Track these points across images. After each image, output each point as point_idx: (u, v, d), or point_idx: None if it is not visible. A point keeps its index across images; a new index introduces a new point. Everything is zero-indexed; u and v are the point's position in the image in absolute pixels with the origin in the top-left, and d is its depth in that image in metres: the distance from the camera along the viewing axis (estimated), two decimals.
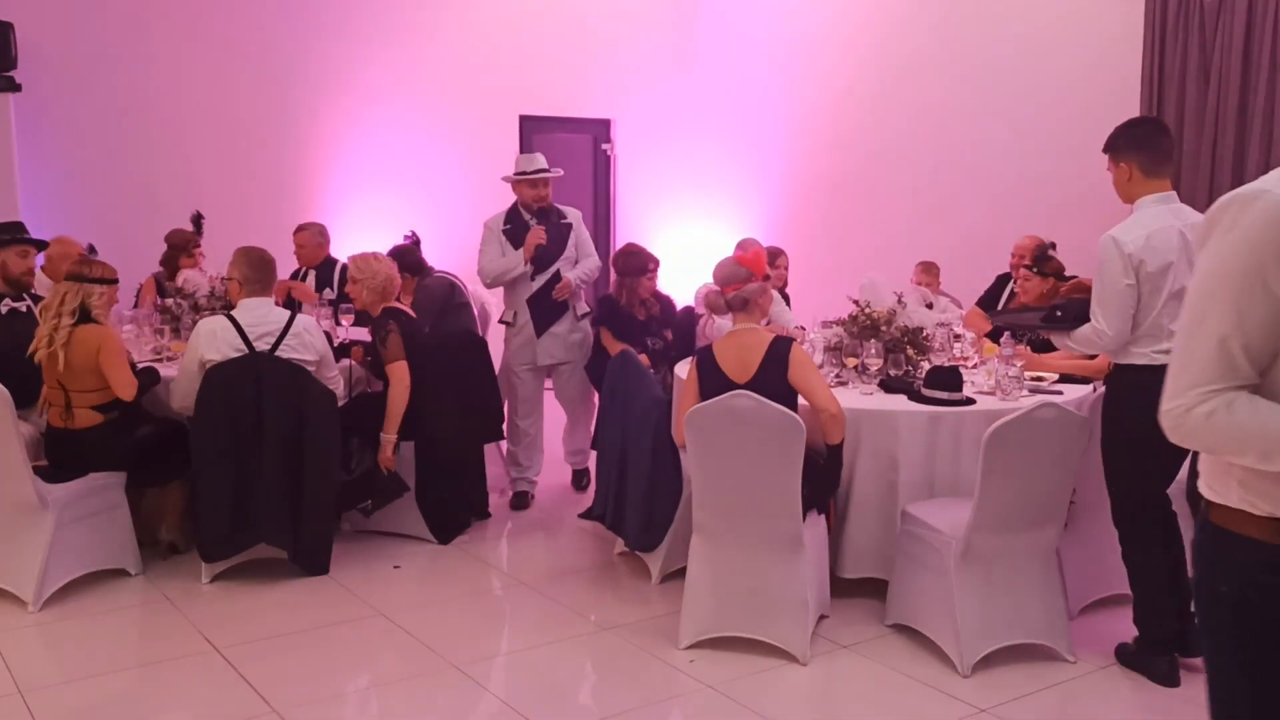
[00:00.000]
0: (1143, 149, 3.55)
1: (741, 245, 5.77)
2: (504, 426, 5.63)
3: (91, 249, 5.48)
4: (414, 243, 6.14)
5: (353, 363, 5.11)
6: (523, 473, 5.75)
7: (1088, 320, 3.58)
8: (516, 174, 5.53)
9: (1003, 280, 6.29)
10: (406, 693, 3.68)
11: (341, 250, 6.92)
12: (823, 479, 3.91)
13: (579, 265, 5.59)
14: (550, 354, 5.60)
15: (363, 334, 5.76)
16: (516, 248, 5.44)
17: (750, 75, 9.10)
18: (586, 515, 5.10)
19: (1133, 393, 3.50)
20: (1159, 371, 3.56)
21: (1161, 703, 3.60)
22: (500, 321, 5.71)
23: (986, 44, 7.37)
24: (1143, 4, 6.39)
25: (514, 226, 5.49)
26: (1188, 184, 6.21)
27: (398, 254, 5.96)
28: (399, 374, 4.81)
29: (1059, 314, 3.75)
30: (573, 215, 5.61)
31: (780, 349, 3.89)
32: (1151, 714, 3.56)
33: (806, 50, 8.60)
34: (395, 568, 4.76)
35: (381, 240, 6.39)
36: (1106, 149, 3.65)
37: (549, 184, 5.52)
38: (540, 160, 5.51)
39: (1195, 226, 3.19)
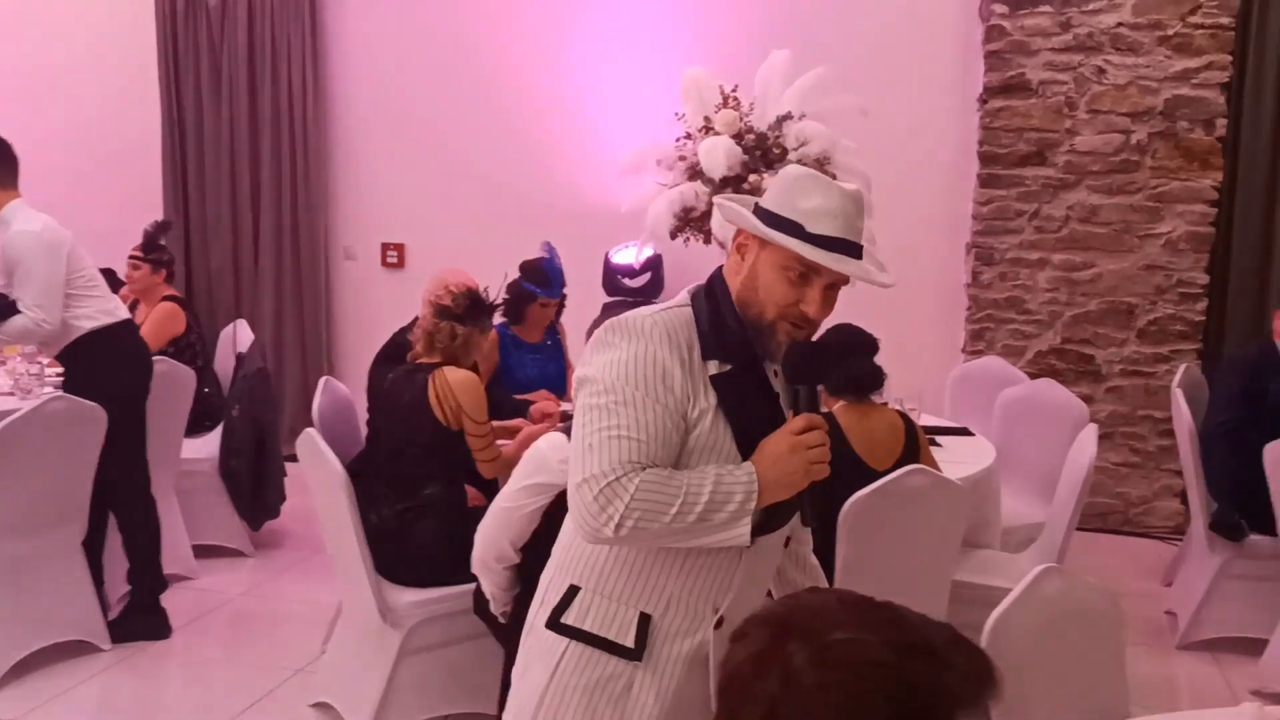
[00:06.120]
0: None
1: None
2: None
3: None
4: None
5: None
6: None
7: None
8: (782, 221, 1.66)
9: None
10: None
11: None
12: None
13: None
14: None
15: None
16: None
17: None
18: None
19: (103, 352, 3.74)
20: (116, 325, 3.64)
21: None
22: None
23: None
24: (154, 13, 6.02)
25: (747, 389, 1.73)
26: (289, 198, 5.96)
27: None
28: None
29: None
30: None
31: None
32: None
33: None
34: None
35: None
36: None
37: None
38: (850, 200, 1.68)
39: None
